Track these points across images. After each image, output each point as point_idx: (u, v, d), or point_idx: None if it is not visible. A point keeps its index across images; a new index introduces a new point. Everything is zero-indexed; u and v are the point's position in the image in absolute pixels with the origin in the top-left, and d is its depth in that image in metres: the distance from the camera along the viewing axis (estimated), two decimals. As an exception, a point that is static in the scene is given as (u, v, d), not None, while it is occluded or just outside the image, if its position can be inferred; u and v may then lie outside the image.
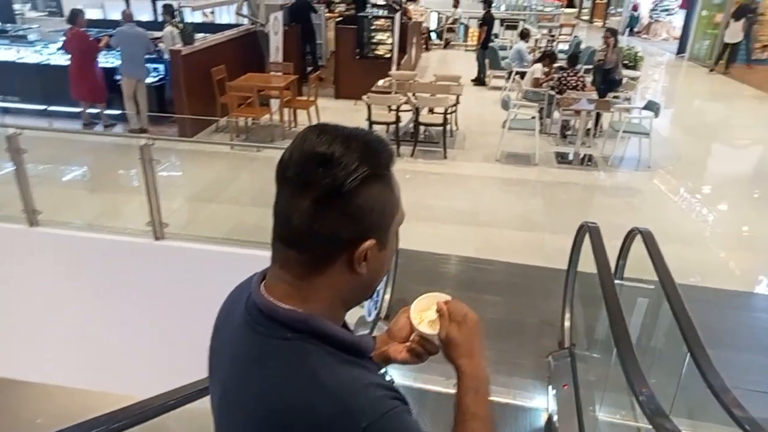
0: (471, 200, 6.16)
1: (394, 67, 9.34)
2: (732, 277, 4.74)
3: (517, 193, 6.56)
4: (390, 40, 9.54)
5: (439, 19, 16.54)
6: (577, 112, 7.20)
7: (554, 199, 6.41)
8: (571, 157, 7.28)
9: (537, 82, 8.12)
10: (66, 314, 4.39)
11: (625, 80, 8.24)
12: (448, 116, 7.34)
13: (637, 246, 3.42)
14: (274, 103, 7.68)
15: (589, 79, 8.12)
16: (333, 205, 0.76)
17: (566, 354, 3.24)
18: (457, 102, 7.71)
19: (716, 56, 13.02)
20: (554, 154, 7.42)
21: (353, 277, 0.82)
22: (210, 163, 6.65)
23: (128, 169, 5.86)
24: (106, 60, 7.91)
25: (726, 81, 12.42)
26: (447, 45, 15.97)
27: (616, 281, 3.11)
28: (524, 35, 10.59)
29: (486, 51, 11.11)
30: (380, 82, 8.07)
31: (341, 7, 13.58)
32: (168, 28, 7.60)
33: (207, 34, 8.45)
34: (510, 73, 9.99)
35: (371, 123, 7.10)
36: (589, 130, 7.60)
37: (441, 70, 11.55)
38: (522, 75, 9.07)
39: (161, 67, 7.99)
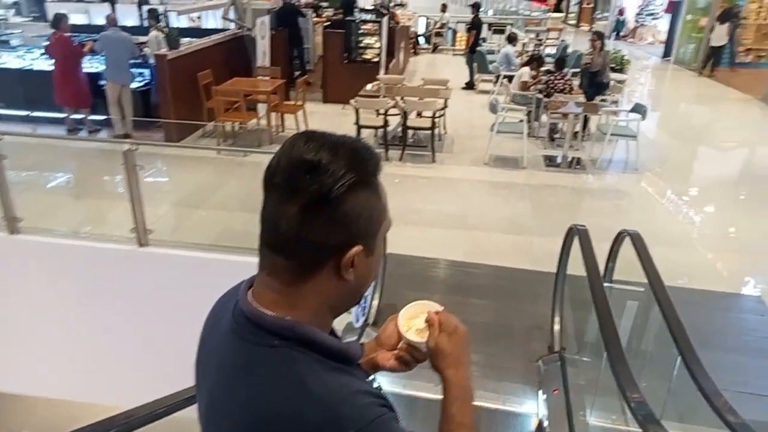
0: (459, 204, 6.14)
1: (382, 71, 9.32)
2: (719, 279, 4.75)
3: (505, 197, 6.55)
4: (378, 44, 9.53)
5: (428, 24, 16.57)
6: (565, 115, 7.22)
7: (542, 202, 6.41)
8: (559, 160, 7.29)
9: (525, 86, 8.14)
10: (48, 324, 4.30)
11: (612, 83, 8.28)
12: (437, 120, 7.33)
13: (626, 248, 3.42)
14: (262, 108, 7.63)
15: (576, 82, 8.16)
16: (320, 212, 0.77)
17: (556, 358, 3.21)
18: (445, 106, 7.71)
19: (703, 59, 13.16)
20: (542, 157, 7.43)
21: (341, 284, 0.82)
22: (197, 168, 6.59)
23: (113, 175, 5.79)
24: (91, 65, 7.83)
25: (711, 84, 12.54)
26: (435, 49, 16.01)
27: (606, 284, 3.10)
28: (512, 39, 10.64)
29: (474, 55, 11.16)
30: (368, 86, 8.05)
31: (329, 12, 13.57)
32: (153, 33, 7.53)
33: (193, 39, 8.39)
34: (498, 77, 10.02)
35: (359, 127, 7.07)
36: (576, 133, 7.63)
37: (429, 74, 11.55)
38: (510, 79, 9.09)
39: (146, 71, 7.92)
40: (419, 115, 7.61)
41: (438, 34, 16.14)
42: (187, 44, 7.85)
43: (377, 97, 7.60)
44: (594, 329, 2.88)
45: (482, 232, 5.48)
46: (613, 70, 9.12)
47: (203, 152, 7.14)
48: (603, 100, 7.74)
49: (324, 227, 0.77)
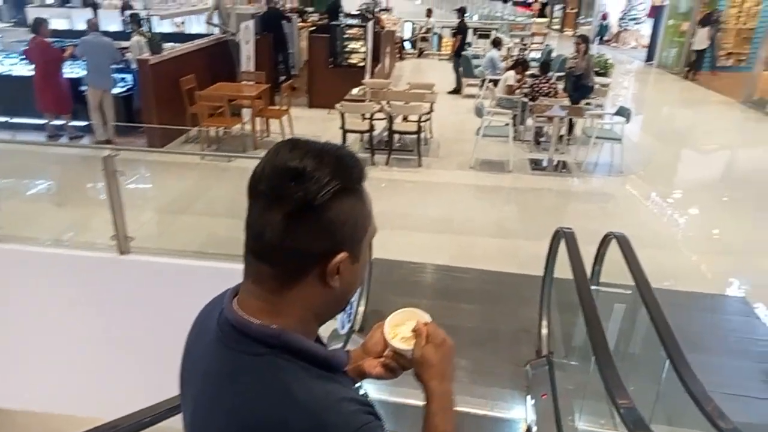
0: (445, 208, 6.12)
1: (367, 76, 9.30)
2: (703, 280, 4.77)
3: (491, 201, 6.55)
4: (363, 49, 9.51)
5: (413, 29, 16.62)
6: (550, 119, 7.25)
7: (528, 205, 6.42)
8: (545, 163, 7.31)
9: (510, 89, 8.16)
10: (26, 335, 4.20)
11: (596, 87, 8.34)
12: (423, 124, 7.32)
13: (611, 251, 3.41)
14: (246, 113, 7.56)
15: (561, 86, 8.20)
16: (305, 219, 0.77)
17: (544, 362, 3.19)
18: (431, 110, 7.70)
19: (686, 63, 13.35)
20: (528, 160, 7.45)
21: (326, 291, 0.82)
22: (180, 174, 6.51)
23: (95, 181, 5.70)
24: (72, 70, 7.72)
25: (693, 87, 12.71)
26: (421, 54, 16.04)
27: (593, 287, 3.08)
28: (497, 43, 10.70)
29: (459, 59, 11.22)
30: (354, 91, 8.02)
31: (314, 17, 13.56)
32: (135, 38, 7.44)
33: (176, 44, 8.31)
34: (483, 81, 10.05)
35: (345, 131, 7.04)
36: (562, 136, 7.66)
37: (415, 78, 11.58)
38: (495, 83, 9.12)
39: (129, 77, 7.83)
40: (405, 119, 7.59)
41: (424, 39, 16.19)
42: (170, 49, 7.76)
43: (363, 101, 7.58)
44: (582, 333, 2.86)
45: (469, 236, 5.46)
46: (597, 74, 9.20)
47: (187, 158, 7.07)
48: (588, 104, 7.79)
49: (309, 234, 0.78)
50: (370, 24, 9.68)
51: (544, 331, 3.46)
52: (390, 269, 4.41)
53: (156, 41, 7.32)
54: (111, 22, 11.92)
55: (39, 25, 7.01)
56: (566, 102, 7.52)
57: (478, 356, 3.40)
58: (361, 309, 3.62)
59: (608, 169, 7.24)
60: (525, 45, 14.02)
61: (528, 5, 24.71)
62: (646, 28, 17.60)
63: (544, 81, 7.74)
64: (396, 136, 7.46)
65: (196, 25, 12.62)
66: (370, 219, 0.86)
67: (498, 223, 5.82)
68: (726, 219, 6.06)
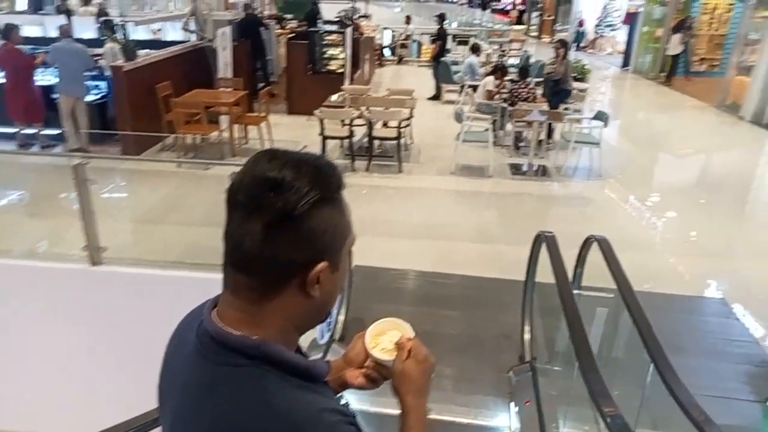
0: (427, 213, 6.09)
1: (347, 82, 9.26)
2: (682, 282, 4.80)
3: (472, 206, 6.54)
4: (342, 55, 9.48)
5: (393, 36, 16.66)
6: (530, 124, 7.28)
7: (509, 210, 6.42)
8: (524, 168, 7.33)
9: (490, 95, 8.19)
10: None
11: (574, 92, 8.41)
12: (402, 130, 7.29)
13: (591, 254, 3.40)
14: (224, 120, 7.46)
15: (540, 91, 8.25)
16: (285, 229, 0.77)
17: (527, 368, 3.15)
18: (411, 115, 7.68)
19: (661, 68, 13.58)
20: (508, 165, 7.46)
21: (306, 301, 0.82)
22: (156, 182, 6.39)
23: (69, 191, 5.56)
24: (43, 77, 7.54)
25: (668, 92, 12.92)
26: (401, 60, 16.08)
27: (575, 291, 3.06)
28: (475, 49, 10.74)
29: (439, 65, 11.27)
30: (333, 97, 7.97)
31: (293, 24, 13.50)
32: (109, 44, 7.31)
33: (152, 51, 8.18)
34: (462, 87, 10.08)
35: (324, 138, 6.98)
36: (541, 141, 7.69)
37: (395, 84, 11.58)
38: (474, 88, 9.15)
39: (103, 84, 7.68)
40: (385, 125, 7.56)
41: (403, 46, 16.23)
42: (145, 56, 7.63)
43: (342, 107, 7.53)
44: (564, 337, 2.83)
45: (450, 241, 5.43)
46: (575, 79, 9.28)
47: (163, 166, 6.95)
48: (566, 109, 7.84)
49: (289, 244, 0.78)
50: (348, 30, 9.65)
51: (527, 336, 3.43)
52: (371, 276, 4.35)
53: (130, 47, 7.20)
54: (86, 29, 11.71)
55: (10, 31, 6.84)
56: (545, 107, 7.56)
57: (460, 363, 3.35)
58: (341, 318, 3.55)
59: (587, 173, 7.29)
60: (503, 51, 14.13)
61: (506, 13, 25.01)
62: (621, 35, 17.88)
63: (522, 86, 7.78)
64: (376, 142, 7.42)
65: (173, 32, 12.48)
66: (349, 227, 0.86)
67: (479, 228, 5.80)
68: (703, 221, 6.13)
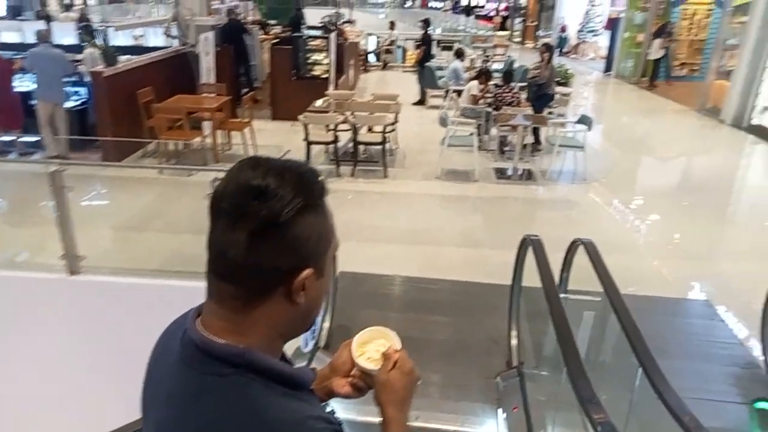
0: (412, 218, 6.06)
1: (331, 87, 9.23)
2: (665, 284, 4.82)
3: (458, 210, 6.52)
4: (326, 61, 9.44)
5: (378, 42, 16.68)
6: (514, 128, 7.30)
7: (495, 214, 6.42)
8: (509, 172, 7.34)
9: (474, 99, 8.20)
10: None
11: (557, 96, 8.45)
12: (388, 135, 7.26)
13: (577, 257, 3.38)
14: (207, 126, 7.38)
15: (524, 95, 8.28)
16: (269, 237, 0.77)
17: (515, 374, 3.12)
18: (396, 120, 7.66)
19: (643, 73, 13.75)
20: (493, 170, 7.47)
21: (292, 308, 0.82)
22: (138, 189, 6.29)
23: (49, 199, 5.46)
24: (21, 83, 7.41)
25: (650, 96, 13.07)
26: (385, 66, 16.09)
27: (561, 295, 3.04)
28: (459, 54, 10.78)
29: (424, 70, 11.30)
30: (318, 102, 7.94)
31: (277, 29, 13.45)
32: (88, 50, 7.21)
33: (133, 57, 8.08)
34: (447, 92, 10.10)
35: (309, 143, 6.93)
36: (526, 145, 7.71)
37: (380, 90, 11.57)
38: (459, 93, 9.16)
39: (83, 90, 7.55)
40: (370, 130, 7.53)
41: (388, 51, 16.25)
42: (126, 61, 7.53)
43: (327, 112, 7.49)
44: (552, 342, 2.81)
45: (436, 246, 5.41)
46: (559, 83, 9.34)
47: (145, 173, 6.83)
48: (550, 113, 7.88)
49: (274, 252, 0.78)
50: (333, 35, 9.62)
51: (514, 341, 3.40)
52: (357, 282, 4.30)
53: (110, 53, 7.10)
54: (66, 34, 11.56)
55: (-15, 36, 6.72)
56: (529, 111, 7.59)
57: (447, 369, 3.31)
58: (326, 325, 3.49)
59: (572, 176, 7.32)
60: (488, 56, 14.21)
61: (489, 19, 25.19)
62: (603, 40, 18.08)
63: (507, 90, 7.80)
64: (361, 147, 7.38)
65: (155, 38, 12.37)
66: (333, 233, 0.86)
67: (465, 232, 5.78)
68: (685, 224, 6.17)
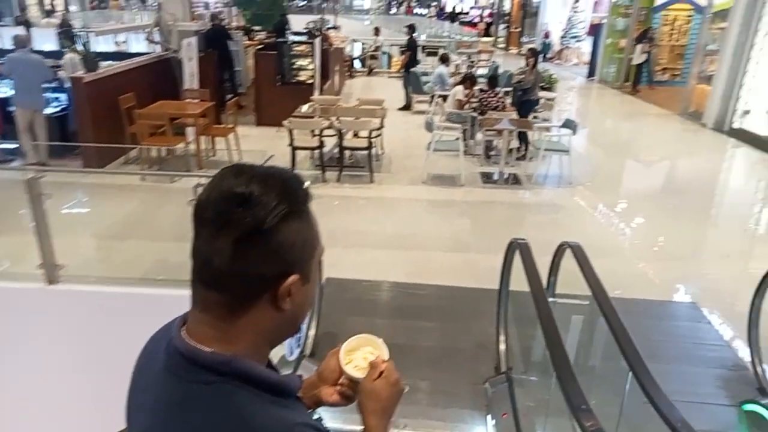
0: (399, 223, 6.03)
1: (316, 93, 9.19)
2: (652, 287, 4.83)
3: (444, 215, 6.50)
4: (311, 66, 9.41)
5: (363, 48, 16.69)
6: (500, 132, 7.31)
7: (481, 218, 6.40)
8: (495, 176, 7.35)
9: (460, 104, 8.21)
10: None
11: (542, 101, 8.49)
12: (373, 140, 7.23)
13: (564, 261, 3.37)
14: (191, 132, 7.29)
15: (509, 100, 8.31)
16: (254, 244, 0.76)
17: (503, 379, 3.09)
18: (382, 125, 7.64)
19: (626, 78, 13.92)
20: (479, 174, 7.47)
21: (278, 315, 0.81)
22: (120, 196, 6.18)
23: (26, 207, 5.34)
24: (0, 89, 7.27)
25: (633, 101, 13.20)
26: (371, 72, 16.09)
27: (550, 299, 3.02)
28: (444, 59, 10.80)
29: (409, 75, 11.31)
30: (303, 108, 7.88)
31: (261, 35, 13.40)
32: (69, 55, 7.09)
33: (115, 62, 7.98)
34: (433, 97, 10.11)
35: (294, 148, 6.88)
36: (511, 149, 7.72)
37: (365, 95, 11.54)
38: (444, 98, 9.17)
39: (63, 96, 7.43)
40: (356, 135, 7.50)
41: (373, 57, 16.26)
42: (107, 67, 7.43)
43: (312, 117, 7.44)
44: (540, 346, 2.78)
45: (423, 251, 5.37)
46: (543, 88, 9.40)
47: (127, 179, 6.72)
48: (535, 117, 7.90)
49: (259, 259, 0.77)
50: (317, 41, 9.60)
51: (502, 346, 3.37)
52: (343, 288, 4.25)
53: (91, 58, 6.99)
54: (47, 40, 11.42)
55: (-38, 42, 6.58)
56: (514, 115, 7.61)
57: (435, 376, 3.27)
58: (312, 332, 3.44)
59: (557, 180, 7.34)
60: (472, 62, 14.28)
61: (474, 25, 25.36)
62: (586, 46, 18.25)
63: (492, 95, 7.82)
64: (347, 153, 7.35)
65: (137, 44, 12.24)
66: (318, 239, 0.86)
67: (452, 237, 5.76)
68: (670, 226, 6.21)
